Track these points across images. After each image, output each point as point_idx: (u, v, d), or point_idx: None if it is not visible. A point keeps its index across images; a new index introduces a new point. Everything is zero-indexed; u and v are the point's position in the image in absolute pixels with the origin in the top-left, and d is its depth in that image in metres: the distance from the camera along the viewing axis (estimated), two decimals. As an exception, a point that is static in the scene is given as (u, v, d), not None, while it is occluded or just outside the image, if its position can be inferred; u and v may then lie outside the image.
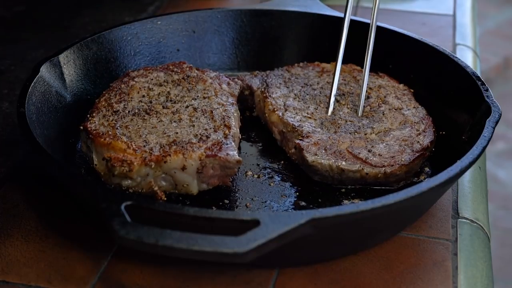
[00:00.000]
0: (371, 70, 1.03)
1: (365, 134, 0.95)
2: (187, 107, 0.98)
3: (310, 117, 0.98)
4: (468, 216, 0.90)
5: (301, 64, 1.13)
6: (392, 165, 0.89)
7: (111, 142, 0.89)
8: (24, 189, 0.94)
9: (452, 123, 0.98)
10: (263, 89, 1.05)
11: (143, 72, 1.06)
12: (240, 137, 0.97)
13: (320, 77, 1.09)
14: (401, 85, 1.06)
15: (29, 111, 0.89)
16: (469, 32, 1.43)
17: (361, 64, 1.03)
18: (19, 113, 0.88)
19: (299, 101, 1.02)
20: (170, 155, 0.87)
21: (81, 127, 0.94)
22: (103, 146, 0.89)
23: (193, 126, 0.94)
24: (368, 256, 0.82)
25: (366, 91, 1.02)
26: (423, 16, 1.49)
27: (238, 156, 0.90)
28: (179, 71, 1.06)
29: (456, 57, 1.04)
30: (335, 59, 1.02)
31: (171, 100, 0.99)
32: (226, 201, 0.90)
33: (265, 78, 1.08)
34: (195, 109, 0.97)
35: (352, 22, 1.02)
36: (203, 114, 0.96)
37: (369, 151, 0.91)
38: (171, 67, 1.08)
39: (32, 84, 0.93)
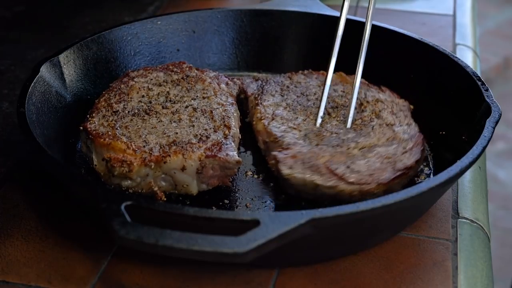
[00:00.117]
0: (374, 83, 1.03)
1: (348, 148, 0.91)
2: (186, 107, 0.98)
3: (295, 128, 0.95)
4: (468, 216, 0.90)
5: (305, 71, 1.10)
6: (369, 183, 0.84)
7: (110, 143, 0.89)
8: (24, 189, 0.94)
9: (452, 123, 0.98)
10: (256, 95, 1.03)
11: (142, 72, 1.06)
12: (240, 137, 0.97)
13: (321, 86, 1.05)
14: (401, 100, 1.02)
15: (29, 111, 0.89)
16: (469, 32, 1.43)
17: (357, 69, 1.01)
18: (19, 113, 0.88)
19: (289, 111, 1.00)
20: (170, 155, 0.87)
21: (81, 127, 0.94)
22: (103, 146, 0.89)
23: (193, 126, 0.94)
24: (368, 256, 0.82)
25: (362, 104, 1.00)
26: (423, 16, 1.49)
27: (238, 156, 0.90)
28: (178, 71, 1.06)
29: (456, 57, 1.04)
30: (336, 62, 1.00)
31: (170, 100, 0.99)
32: (226, 201, 0.90)
33: (263, 84, 1.06)
34: (194, 109, 0.97)
35: (352, 22, 1.02)
36: (203, 114, 0.96)
37: (347, 167, 0.87)
38: (170, 67, 1.08)
39: (32, 84, 0.93)
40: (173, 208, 0.73)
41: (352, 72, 1.01)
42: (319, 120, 0.97)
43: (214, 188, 0.91)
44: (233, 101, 1.01)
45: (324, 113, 0.98)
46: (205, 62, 1.19)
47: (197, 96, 1.01)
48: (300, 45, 1.20)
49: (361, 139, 0.93)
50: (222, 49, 1.20)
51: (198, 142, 0.90)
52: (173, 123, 0.94)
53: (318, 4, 1.23)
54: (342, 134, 0.94)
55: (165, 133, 0.92)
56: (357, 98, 1.00)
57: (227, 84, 1.05)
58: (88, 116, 0.96)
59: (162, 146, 0.89)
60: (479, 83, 0.96)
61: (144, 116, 0.95)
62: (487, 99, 0.92)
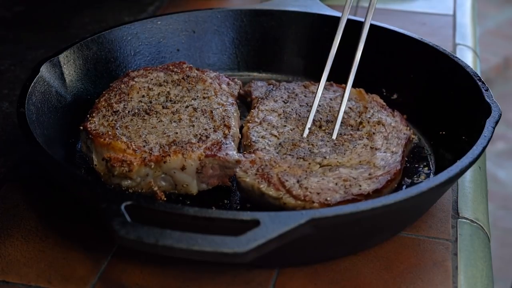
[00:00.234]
0: (375, 83, 1.02)
1: (310, 163, 0.89)
2: (187, 107, 0.98)
3: (275, 136, 0.94)
4: (468, 216, 0.90)
5: (326, 83, 1.03)
6: (313, 202, 0.82)
7: (111, 142, 0.89)
8: (24, 189, 0.94)
9: (452, 123, 0.98)
10: (259, 99, 1.03)
11: (143, 72, 1.06)
12: (240, 137, 0.97)
13: (332, 100, 1.02)
14: (405, 128, 0.97)
15: (29, 111, 0.89)
16: (469, 32, 1.43)
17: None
18: (19, 113, 0.88)
19: (281, 118, 0.98)
20: (169, 155, 0.87)
21: (81, 127, 0.94)
22: (103, 146, 0.89)
23: (193, 126, 0.94)
24: (368, 256, 0.82)
25: (361, 123, 0.97)
26: (423, 16, 1.49)
27: (238, 156, 0.90)
28: (179, 71, 1.06)
29: (456, 57, 1.04)
30: (336, 61, 0.99)
31: (171, 100, 0.99)
32: (226, 201, 0.90)
33: (272, 89, 1.05)
34: (195, 109, 0.97)
35: (353, 22, 1.01)
36: (203, 114, 0.96)
37: (298, 181, 0.85)
38: (171, 67, 1.08)
39: (32, 84, 0.93)
40: (173, 208, 0.73)
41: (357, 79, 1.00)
42: (306, 131, 0.96)
43: (214, 188, 0.91)
44: (233, 101, 1.01)
45: (315, 125, 0.97)
46: (205, 62, 1.19)
47: (197, 96, 1.01)
48: (300, 45, 1.20)
49: (332, 155, 0.91)
50: (222, 49, 1.20)
51: (198, 142, 0.90)
52: (173, 123, 0.94)
53: (318, 4, 1.23)
54: (317, 147, 0.92)
55: (165, 133, 0.92)
56: (360, 117, 0.99)
57: (228, 84, 1.05)
58: (88, 116, 0.96)
59: (162, 146, 0.89)
60: (479, 83, 0.96)
61: (144, 116, 0.95)
62: (487, 99, 0.92)
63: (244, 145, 0.95)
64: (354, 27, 0.99)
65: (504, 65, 3.64)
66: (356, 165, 0.89)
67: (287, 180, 0.85)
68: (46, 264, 0.81)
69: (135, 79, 1.04)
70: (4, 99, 1.16)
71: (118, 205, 0.70)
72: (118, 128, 0.92)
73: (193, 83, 1.03)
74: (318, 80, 1.09)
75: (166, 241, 0.66)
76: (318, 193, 0.83)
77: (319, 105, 1.01)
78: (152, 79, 1.04)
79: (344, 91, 0.97)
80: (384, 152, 0.92)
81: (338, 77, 1.03)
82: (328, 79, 1.07)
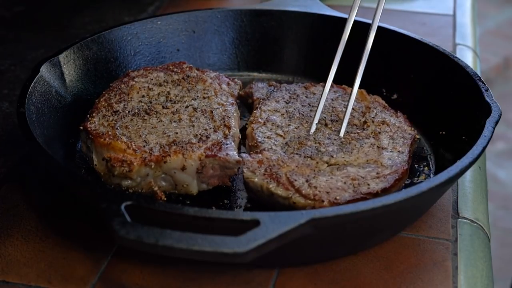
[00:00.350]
0: (375, 84, 1.02)
1: (317, 162, 0.89)
2: (187, 107, 0.98)
3: (281, 135, 0.94)
4: (468, 216, 0.90)
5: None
6: (322, 201, 0.82)
7: (111, 142, 0.89)
8: (24, 189, 0.94)
9: (452, 123, 0.98)
10: (261, 100, 1.03)
11: (143, 72, 1.06)
12: (240, 137, 0.97)
13: (334, 100, 1.03)
14: (409, 129, 0.97)
15: (29, 111, 0.89)
16: (469, 32, 1.43)
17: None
18: (19, 113, 0.88)
19: (284, 118, 0.98)
20: (170, 155, 0.87)
21: (81, 127, 0.94)
22: (103, 146, 0.89)
23: (193, 126, 0.94)
24: (368, 256, 0.82)
25: (366, 123, 0.98)
26: (423, 16, 1.49)
27: (238, 156, 0.90)
28: (179, 71, 1.06)
29: (456, 57, 1.04)
30: (338, 63, 1.00)
31: (171, 100, 0.99)
32: (226, 201, 0.90)
33: (274, 90, 1.05)
34: (195, 109, 0.97)
35: (356, 23, 1.01)
36: (203, 114, 0.96)
37: (307, 180, 0.85)
38: (171, 67, 1.08)
39: (32, 84, 0.93)
40: (173, 208, 0.73)
41: (350, 77, 1.00)
42: (313, 127, 0.96)
43: (214, 188, 0.91)
44: (233, 101, 1.01)
45: (321, 123, 0.97)
46: (205, 62, 1.19)
47: (197, 96, 1.01)
48: (300, 45, 1.20)
49: (338, 154, 0.91)
50: (222, 49, 1.20)
51: (198, 142, 0.90)
52: (173, 123, 0.94)
53: (318, 4, 1.23)
54: (324, 146, 0.92)
55: (165, 133, 0.92)
56: (364, 117, 0.99)
57: (228, 84, 1.05)
58: (88, 116, 0.96)
59: (162, 146, 0.89)
60: (479, 83, 0.96)
61: (144, 116, 0.95)
62: (487, 99, 0.92)
63: (249, 146, 0.95)
64: (357, 28, 0.99)
65: (504, 65, 3.64)
66: (363, 164, 0.90)
67: (295, 180, 0.85)
68: (46, 264, 0.81)
69: (135, 79, 1.04)
70: (4, 99, 1.16)
71: (118, 205, 0.70)
72: (118, 128, 0.92)
73: (193, 83, 1.03)
74: (318, 80, 1.10)
75: (166, 241, 0.66)
76: (327, 192, 0.84)
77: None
78: (152, 79, 1.04)
79: (352, 90, 0.96)
80: (391, 151, 0.92)
81: (338, 77, 1.02)
82: (321, 80, 1.07)
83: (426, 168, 0.96)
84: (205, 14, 1.19)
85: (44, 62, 0.99)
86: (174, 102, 0.99)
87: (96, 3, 1.52)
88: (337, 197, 0.83)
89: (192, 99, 1.00)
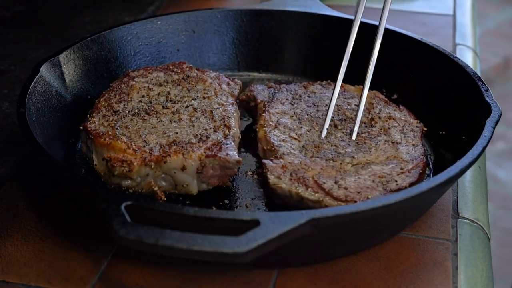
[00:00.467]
0: (375, 85, 1.02)
1: (341, 163, 0.89)
2: (187, 107, 0.98)
3: (295, 138, 0.94)
4: (468, 216, 0.90)
5: (323, 82, 1.08)
6: (355, 201, 0.82)
7: (111, 142, 0.89)
8: (24, 189, 0.94)
9: (452, 123, 0.98)
10: (265, 103, 1.02)
11: (143, 72, 1.06)
12: (240, 137, 0.97)
13: (337, 98, 1.02)
14: (416, 121, 0.99)
15: (29, 111, 0.89)
16: (469, 32, 1.43)
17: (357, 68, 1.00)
18: (19, 113, 0.88)
19: (294, 120, 0.98)
20: (170, 155, 0.87)
21: (81, 127, 0.94)
22: (103, 146, 0.89)
23: (193, 126, 0.94)
24: (368, 256, 0.82)
25: (373, 119, 0.98)
26: (423, 16, 1.49)
27: (238, 156, 0.90)
28: (179, 71, 1.06)
29: (456, 57, 1.04)
30: (336, 61, 0.99)
31: (171, 100, 0.99)
32: (226, 201, 0.90)
33: (275, 92, 1.05)
34: (195, 109, 0.97)
35: (360, 24, 1.01)
36: (203, 114, 0.96)
37: (335, 182, 0.85)
38: (171, 67, 1.08)
39: (32, 84, 0.93)
40: (173, 208, 0.73)
41: (357, 78, 1.00)
42: (324, 132, 0.95)
43: (214, 188, 0.91)
44: (233, 101, 1.01)
45: (330, 124, 0.97)
46: (205, 62, 1.19)
47: (197, 96, 1.01)
48: (300, 45, 1.20)
49: (359, 154, 0.91)
50: (222, 49, 1.20)
51: (198, 142, 0.90)
52: (173, 123, 0.94)
53: (318, 4, 1.23)
54: (341, 148, 0.93)
55: (165, 133, 0.92)
56: (370, 114, 0.99)
57: (228, 84, 1.05)
58: (88, 116, 0.96)
59: (162, 146, 0.89)
60: (479, 83, 0.96)
61: (144, 116, 0.95)
62: (487, 99, 0.92)
63: (264, 151, 0.94)
64: (361, 29, 0.99)
65: (504, 65, 3.64)
66: (385, 161, 0.90)
67: (324, 182, 0.85)
68: (46, 264, 0.81)
69: (135, 79, 1.04)
70: (4, 99, 1.16)
71: (118, 205, 0.70)
72: (118, 128, 0.92)
73: (193, 83, 1.03)
74: (318, 80, 1.10)
75: (166, 241, 0.66)
76: (358, 192, 0.84)
77: (325, 105, 1.01)
78: (152, 79, 1.04)
79: (362, 94, 0.96)
80: (406, 145, 0.93)
81: (332, 76, 1.02)
82: (327, 79, 1.07)
83: (426, 170, 0.96)
84: (205, 14, 1.19)
85: (44, 62, 0.99)
86: (174, 102, 0.99)
87: (96, 3, 1.52)
88: (369, 196, 0.83)
89: (192, 99, 1.00)
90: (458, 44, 1.37)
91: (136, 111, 0.96)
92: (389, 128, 0.97)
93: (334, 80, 1.04)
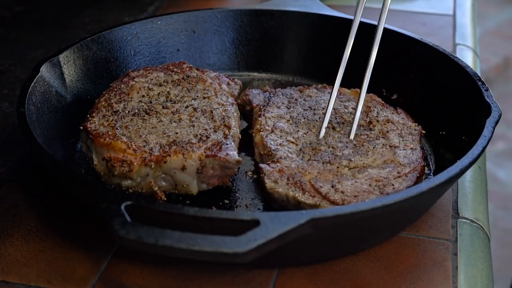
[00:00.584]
0: (376, 85, 1.02)
1: (338, 166, 0.89)
2: (187, 107, 0.98)
3: (293, 142, 0.94)
4: (468, 216, 0.90)
5: (319, 86, 1.07)
6: None
7: (111, 142, 0.89)
8: (24, 189, 0.94)
9: (452, 123, 0.98)
10: (261, 107, 1.01)
11: (143, 72, 1.06)
12: (240, 137, 0.97)
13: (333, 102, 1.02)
14: (414, 124, 0.99)
15: (29, 111, 0.89)
16: (469, 32, 1.43)
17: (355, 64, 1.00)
18: (19, 113, 0.88)
19: (291, 124, 0.98)
20: (170, 155, 0.87)
21: (81, 127, 0.94)
22: (103, 146, 0.89)
23: (193, 126, 0.94)
24: (368, 256, 0.82)
25: (371, 123, 0.98)
26: (423, 16, 1.49)
27: (238, 156, 0.90)
28: (179, 71, 1.06)
29: (456, 57, 1.04)
30: (336, 61, 0.99)
31: (171, 100, 0.99)
32: (226, 201, 0.90)
33: (271, 96, 1.04)
34: (195, 109, 0.97)
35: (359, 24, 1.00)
36: (203, 114, 0.96)
37: (332, 186, 0.85)
38: (171, 67, 1.08)
39: (32, 84, 0.93)
40: (173, 208, 0.73)
41: (355, 79, 1.00)
42: (322, 132, 0.95)
43: (214, 188, 0.91)
44: (233, 101, 1.01)
45: (328, 127, 0.97)
46: (205, 62, 1.19)
47: (197, 96, 1.01)
48: (300, 45, 1.20)
49: (356, 157, 0.91)
50: (222, 49, 1.20)
51: (198, 142, 0.90)
52: (173, 123, 0.94)
53: (318, 4, 1.23)
54: (339, 150, 0.92)
55: (165, 133, 0.92)
56: (368, 117, 0.99)
57: (228, 84, 1.05)
58: (88, 116, 0.96)
59: (162, 146, 0.89)
60: (479, 83, 0.96)
61: (144, 116, 0.95)
62: (487, 99, 0.92)
63: (261, 155, 0.94)
64: (359, 29, 0.99)
65: (504, 65, 3.64)
66: (382, 165, 0.90)
67: (321, 186, 0.85)
68: (46, 264, 0.81)
69: (135, 79, 1.04)
70: (4, 99, 1.16)
71: (118, 205, 0.70)
72: (118, 128, 0.92)
73: (193, 83, 1.03)
74: (318, 80, 1.10)
75: (166, 241, 0.66)
76: (355, 196, 0.84)
77: (322, 108, 1.01)
78: (152, 79, 1.04)
79: (360, 94, 0.96)
80: (404, 149, 0.93)
81: (331, 77, 1.02)
82: (327, 79, 1.07)
83: (426, 168, 0.96)
84: (205, 14, 1.19)
85: (44, 62, 0.99)
86: (174, 102, 0.99)
87: (96, 3, 1.52)
88: (366, 200, 0.83)
89: (192, 99, 1.00)
90: (458, 44, 1.37)
91: (136, 111, 0.96)
92: (387, 131, 0.96)
93: (333, 81, 1.04)
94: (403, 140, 0.95)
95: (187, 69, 1.07)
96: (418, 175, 0.88)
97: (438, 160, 0.98)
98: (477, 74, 0.99)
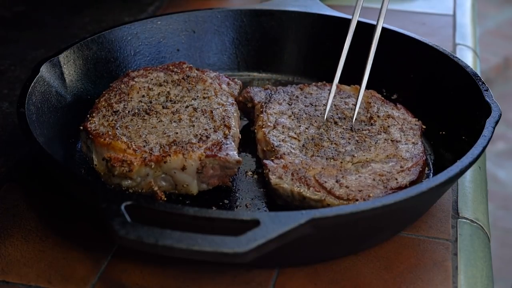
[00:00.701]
0: (376, 85, 1.03)
1: (341, 162, 0.90)
2: (187, 107, 0.98)
3: (295, 138, 0.94)
4: (468, 216, 0.90)
5: (319, 83, 1.08)
6: (356, 200, 0.83)
7: (111, 142, 0.89)
8: (24, 189, 0.94)
9: (452, 123, 0.98)
10: (263, 104, 1.02)
11: (143, 72, 1.06)
12: (240, 137, 0.97)
13: (333, 99, 1.02)
14: (414, 119, 0.99)
15: (29, 111, 0.89)
16: (469, 32, 1.43)
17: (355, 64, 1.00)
18: (19, 113, 0.88)
19: (292, 119, 0.98)
20: (170, 155, 0.87)
21: (81, 127, 0.94)
22: (103, 146, 0.89)
23: (193, 126, 0.94)
24: (368, 256, 0.82)
25: (372, 118, 0.98)
26: (423, 16, 1.49)
27: (238, 156, 0.90)
28: (179, 71, 1.06)
29: (456, 57, 1.04)
30: (337, 62, 0.99)
31: (171, 100, 0.99)
32: (226, 201, 0.90)
33: (272, 93, 1.04)
34: (195, 109, 0.97)
35: (358, 23, 1.01)
36: (203, 114, 0.96)
37: (337, 181, 0.86)
38: (171, 67, 1.08)
39: (32, 84, 0.93)
40: (173, 208, 0.73)
41: (355, 78, 1.00)
42: (327, 112, 0.97)
43: (214, 188, 0.91)
44: (233, 101, 1.01)
45: (330, 122, 0.98)
46: (205, 62, 1.19)
47: (197, 96, 1.01)
48: (300, 45, 1.20)
49: (358, 153, 0.92)
50: (222, 49, 1.20)
51: (198, 142, 0.90)
52: (173, 123, 0.94)
53: (318, 4, 1.23)
54: (341, 146, 0.93)
55: (165, 133, 0.92)
56: (368, 112, 1.00)
57: (228, 84, 1.05)
58: (88, 116, 0.96)
59: (162, 146, 0.89)
60: (479, 83, 0.96)
61: (144, 116, 0.95)
62: (487, 99, 0.92)
63: (264, 151, 0.94)
64: (359, 28, 0.99)
65: (504, 65, 3.64)
66: (385, 159, 0.91)
67: (326, 181, 0.85)
68: (46, 264, 0.81)
69: (135, 79, 1.04)
70: (4, 99, 1.16)
71: (118, 205, 0.70)
72: (118, 128, 0.92)
73: (193, 83, 1.03)
74: (318, 80, 1.10)
75: (166, 241, 0.66)
76: (360, 191, 0.84)
77: (323, 104, 1.01)
78: (152, 79, 1.04)
79: (360, 87, 0.98)
80: (406, 144, 0.94)
81: (331, 76, 1.02)
82: (327, 79, 1.07)
83: (426, 168, 0.96)
84: (205, 14, 1.19)
85: (44, 62, 0.99)
86: (174, 102, 0.99)
87: (96, 3, 1.52)
88: (370, 195, 0.84)
89: (192, 99, 1.00)
90: (458, 44, 1.37)
91: (136, 111, 0.96)
92: (388, 126, 0.97)
93: (333, 76, 1.04)
94: (404, 135, 0.96)
95: (187, 69, 1.07)
96: (421, 169, 0.89)
97: (438, 160, 0.98)
98: (477, 74, 0.99)
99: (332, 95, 0.98)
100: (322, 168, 0.88)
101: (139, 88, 1.01)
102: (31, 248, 0.83)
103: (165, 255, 0.67)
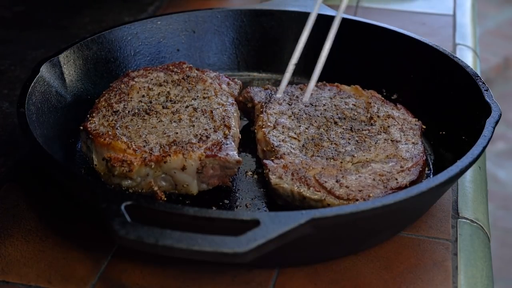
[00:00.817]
0: (376, 84, 1.03)
1: (342, 162, 0.90)
2: (187, 107, 0.98)
3: (295, 138, 0.94)
4: (468, 216, 0.90)
5: (318, 83, 1.07)
6: (356, 200, 0.83)
7: (111, 142, 0.89)
8: (24, 189, 0.94)
9: (452, 123, 0.98)
10: (263, 104, 1.02)
11: (143, 72, 1.06)
12: (240, 137, 0.97)
13: (332, 98, 1.03)
14: (414, 119, 1.00)
15: (29, 111, 0.89)
16: (469, 32, 1.43)
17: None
18: (19, 113, 0.88)
19: (292, 119, 0.98)
20: (170, 155, 0.87)
21: (81, 127, 0.94)
22: (103, 146, 0.89)
23: (193, 126, 0.94)
24: (368, 256, 0.82)
25: (372, 118, 0.98)
26: (423, 16, 1.49)
27: (238, 156, 0.90)
28: (179, 71, 1.06)
29: (456, 57, 1.04)
30: (336, 61, 0.99)
31: (171, 100, 0.99)
32: (226, 201, 0.90)
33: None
34: (195, 109, 0.97)
35: (354, 22, 1.01)
36: (203, 114, 0.96)
37: (337, 181, 0.86)
38: (171, 67, 1.08)
39: (32, 84, 0.93)
40: (173, 208, 0.73)
41: (355, 76, 1.00)
42: (280, 92, 1.01)
43: (214, 188, 0.91)
44: (233, 101, 1.01)
45: (330, 122, 0.98)
46: (205, 62, 1.19)
47: (197, 96, 1.01)
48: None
49: (358, 153, 0.92)
50: (222, 49, 1.20)
51: (198, 142, 0.90)
52: (173, 123, 0.94)
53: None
54: (341, 146, 0.93)
55: (165, 133, 0.92)
56: (369, 112, 1.00)
57: (228, 84, 1.05)
58: (88, 116, 0.96)
59: (162, 146, 0.89)
60: (479, 83, 0.96)
61: (144, 116, 0.95)
62: (487, 99, 0.92)
63: (264, 152, 0.95)
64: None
65: (504, 65, 3.64)
66: (385, 159, 0.91)
67: (326, 181, 0.86)
68: (46, 264, 0.81)
69: (135, 79, 1.04)
70: (4, 99, 1.16)
71: (118, 205, 0.70)
72: (118, 128, 0.92)
73: (193, 83, 1.03)
74: (317, 80, 1.10)
75: (166, 241, 0.66)
76: (360, 191, 0.84)
77: (323, 104, 1.02)
78: (152, 79, 1.04)
79: (316, 67, 1.00)
80: (406, 144, 0.94)
81: (329, 76, 1.03)
82: (327, 79, 1.07)
83: (426, 168, 0.96)
84: (205, 14, 1.19)
85: (44, 62, 0.99)
86: (174, 102, 0.99)
87: (96, 3, 1.52)
88: (370, 194, 0.84)
89: (192, 99, 1.00)
90: (458, 44, 1.37)
91: (136, 111, 0.96)
92: (388, 126, 0.97)
93: (333, 81, 1.04)
94: (404, 135, 0.96)
95: (187, 69, 1.07)
96: (421, 169, 0.90)
97: (438, 160, 0.98)
98: (477, 74, 0.99)
99: (302, 44, 1.01)
100: (322, 168, 0.88)
101: (139, 88, 1.01)
102: (31, 248, 0.83)
103: (165, 255, 0.67)
